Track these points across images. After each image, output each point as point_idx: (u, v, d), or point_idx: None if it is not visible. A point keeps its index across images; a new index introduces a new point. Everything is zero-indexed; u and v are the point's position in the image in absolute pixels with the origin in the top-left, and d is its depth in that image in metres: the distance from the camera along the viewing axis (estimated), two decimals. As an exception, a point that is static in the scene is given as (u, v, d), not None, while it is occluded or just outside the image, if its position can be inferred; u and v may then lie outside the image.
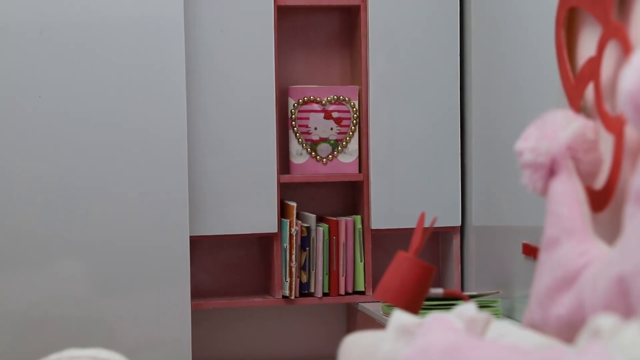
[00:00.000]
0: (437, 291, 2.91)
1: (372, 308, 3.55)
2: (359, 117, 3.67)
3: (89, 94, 3.33)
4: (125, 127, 3.36)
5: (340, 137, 3.67)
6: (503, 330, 1.79)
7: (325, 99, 3.66)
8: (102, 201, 3.35)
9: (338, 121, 3.68)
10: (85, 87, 3.33)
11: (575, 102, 2.33)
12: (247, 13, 3.53)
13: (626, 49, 2.09)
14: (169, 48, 3.38)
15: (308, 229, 3.61)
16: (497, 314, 3.21)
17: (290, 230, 3.57)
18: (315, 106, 3.67)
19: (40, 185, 3.31)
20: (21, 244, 3.31)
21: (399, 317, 1.84)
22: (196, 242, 3.65)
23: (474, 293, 3.32)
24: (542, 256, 2.10)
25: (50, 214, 3.32)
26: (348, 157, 3.68)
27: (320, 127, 3.67)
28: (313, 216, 3.63)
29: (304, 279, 3.62)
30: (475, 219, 3.58)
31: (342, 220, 3.65)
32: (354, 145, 3.68)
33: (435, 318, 1.79)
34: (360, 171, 3.69)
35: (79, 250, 3.35)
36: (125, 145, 3.36)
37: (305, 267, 3.62)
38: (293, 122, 3.66)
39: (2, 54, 3.28)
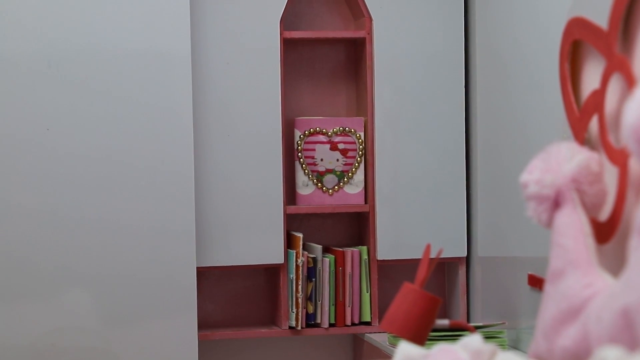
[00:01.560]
0: (443, 322, 2.92)
1: (379, 339, 3.55)
2: (364, 148, 3.69)
3: (97, 127, 3.36)
4: (132, 159, 3.38)
5: (346, 168, 3.69)
6: (509, 361, 1.80)
7: (331, 131, 3.68)
8: (109, 233, 3.37)
9: (344, 152, 3.69)
10: (93, 120, 3.35)
11: (580, 135, 2.35)
12: (253, 46, 3.55)
13: (629, 82, 2.11)
14: (176, 81, 3.40)
15: (314, 259, 3.62)
16: (503, 345, 3.22)
17: (296, 261, 3.58)
18: (321, 137, 3.69)
19: (48, 218, 3.33)
20: (29, 275, 3.33)
21: (405, 349, 1.85)
22: (203, 273, 3.66)
23: (480, 324, 3.32)
24: (548, 288, 2.11)
25: (58, 245, 3.34)
26: (354, 188, 3.70)
27: (326, 158, 3.69)
28: (319, 247, 3.64)
29: (311, 309, 3.63)
30: (481, 249, 3.59)
31: (348, 251, 3.66)
32: (359, 176, 3.69)
33: (441, 349, 1.80)
34: (366, 202, 3.70)
35: (87, 282, 3.36)
36: (132, 177, 3.38)
37: (311, 297, 3.62)
38: (299, 154, 3.68)
39: (11, 86, 3.31)
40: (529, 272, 3.09)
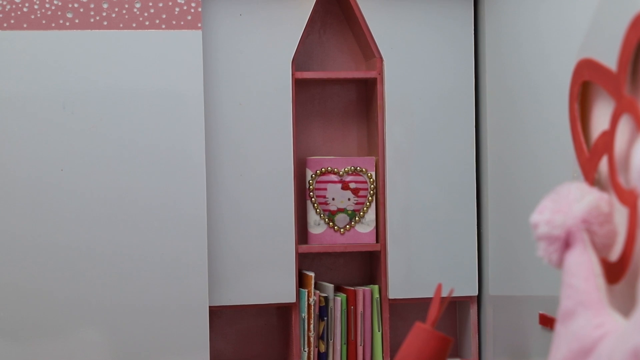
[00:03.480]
0: (455, 362, 2.92)
1: (390, 378, 3.55)
2: (376, 187, 3.71)
3: (110, 167, 3.38)
4: (145, 198, 3.40)
5: (357, 207, 3.71)
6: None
7: (342, 170, 3.70)
8: (122, 271, 3.38)
9: (355, 192, 3.71)
10: (107, 161, 3.38)
11: (590, 175, 2.36)
12: (265, 86, 3.58)
13: (638, 123, 2.12)
14: (189, 121, 3.43)
15: (326, 298, 3.63)
16: (515, 384, 3.21)
17: (308, 300, 3.59)
18: (333, 177, 3.71)
19: (62, 257, 3.35)
20: (42, 312, 3.34)
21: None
22: (215, 311, 3.67)
23: (492, 363, 3.33)
24: (558, 328, 2.12)
25: (72, 283, 3.35)
26: (365, 227, 3.71)
27: (338, 197, 3.71)
28: (331, 286, 3.65)
29: (322, 348, 3.63)
30: (492, 288, 3.60)
31: (360, 290, 3.67)
32: (371, 215, 3.71)
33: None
34: (377, 241, 3.71)
35: (100, 320, 3.37)
36: (146, 216, 3.40)
37: (323, 336, 3.63)
38: (311, 193, 3.70)
39: (26, 128, 3.34)
40: (540, 312, 3.10)
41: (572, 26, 2.83)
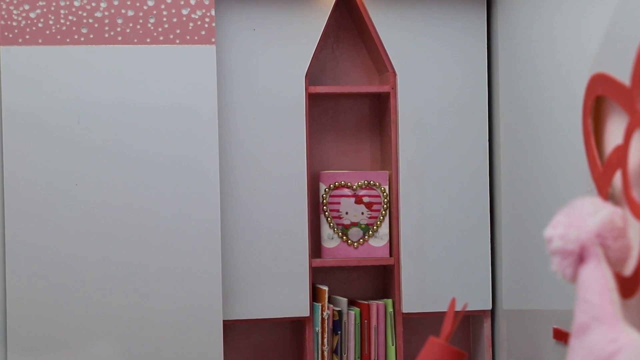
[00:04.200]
0: (469, 376, 2.92)
1: (404, 392, 3.55)
2: (389, 201, 3.71)
3: (124, 180, 3.39)
4: (159, 212, 3.41)
5: (371, 221, 3.71)
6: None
7: (356, 184, 3.71)
8: (136, 285, 3.39)
9: (369, 206, 3.71)
10: (121, 174, 3.39)
11: (603, 190, 2.36)
12: (278, 101, 3.59)
13: (652, 137, 2.12)
14: (203, 136, 3.44)
15: (340, 312, 3.63)
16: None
17: (322, 314, 3.60)
18: (346, 191, 3.71)
19: (76, 270, 3.36)
20: (56, 326, 3.35)
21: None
22: (229, 325, 3.68)
23: (506, 377, 3.32)
24: (573, 342, 2.12)
25: (86, 297, 3.36)
26: (379, 241, 3.71)
27: (351, 211, 3.71)
28: (345, 300, 3.65)
29: (336, 362, 3.64)
30: (506, 303, 3.59)
31: (374, 304, 3.67)
32: (384, 229, 3.71)
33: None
34: (391, 255, 3.71)
35: (114, 334, 3.38)
36: (160, 230, 3.41)
37: (337, 350, 3.63)
38: (324, 207, 3.71)
39: (41, 142, 3.35)
40: (554, 326, 3.09)
41: (585, 39, 2.83)
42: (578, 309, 2.13)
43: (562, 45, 3.04)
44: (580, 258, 2.17)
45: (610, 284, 2.10)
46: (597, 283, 2.11)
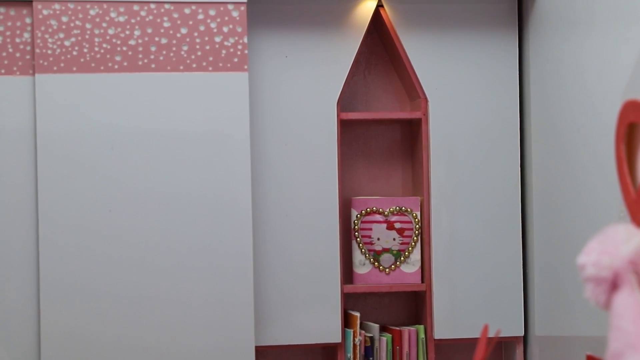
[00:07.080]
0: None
1: (436, 419, 3.54)
2: (421, 227, 3.71)
3: (157, 207, 3.41)
4: (192, 238, 3.43)
5: (402, 247, 3.71)
6: None
7: (387, 210, 3.71)
8: (170, 311, 3.40)
9: (400, 232, 3.72)
10: (154, 201, 3.41)
11: (637, 216, 2.35)
12: (310, 127, 3.61)
13: (685, 164, 2.12)
14: (235, 162, 3.46)
15: (372, 338, 3.63)
16: None
17: (354, 340, 3.59)
18: (378, 217, 3.72)
19: (109, 299, 3.38)
20: (90, 354, 3.36)
21: None
22: (261, 351, 3.68)
23: (539, 404, 3.30)
24: (607, 370, 2.11)
25: (119, 322, 3.38)
26: (410, 267, 3.71)
27: (383, 237, 3.72)
28: (376, 326, 3.65)
29: (368, 388, 3.63)
30: (539, 329, 3.58)
31: (406, 330, 3.66)
32: (416, 255, 3.71)
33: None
34: (422, 281, 3.71)
35: (147, 359, 3.40)
36: (193, 256, 3.42)
37: (369, 377, 3.63)
38: (356, 233, 3.71)
39: (75, 169, 3.38)
40: (588, 353, 3.08)
41: (617, 66, 2.83)
42: (612, 336, 2.12)
43: (593, 72, 3.05)
44: (614, 285, 2.16)
45: (644, 311, 2.09)
46: (631, 310, 2.10)
